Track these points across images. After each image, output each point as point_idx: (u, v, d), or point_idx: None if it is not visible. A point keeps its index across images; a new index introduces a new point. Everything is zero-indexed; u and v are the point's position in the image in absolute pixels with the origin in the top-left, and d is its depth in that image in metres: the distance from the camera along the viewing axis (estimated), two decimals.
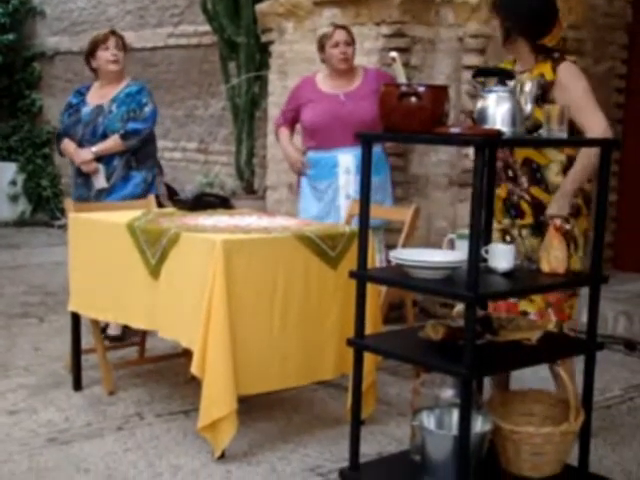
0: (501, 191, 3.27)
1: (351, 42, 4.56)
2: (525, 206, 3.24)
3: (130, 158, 4.65)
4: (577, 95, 3.12)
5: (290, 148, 4.76)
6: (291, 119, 4.76)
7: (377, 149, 4.49)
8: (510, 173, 3.26)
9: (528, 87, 2.71)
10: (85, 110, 4.68)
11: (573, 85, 3.14)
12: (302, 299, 3.28)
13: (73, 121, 4.71)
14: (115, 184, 4.63)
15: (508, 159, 3.26)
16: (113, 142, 4.62)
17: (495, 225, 3.20)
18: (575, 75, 3.17)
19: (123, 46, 4.77)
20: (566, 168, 3.19)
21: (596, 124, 3.10)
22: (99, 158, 4.63)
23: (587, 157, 3.12)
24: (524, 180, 3.23)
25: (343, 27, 4.65)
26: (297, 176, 4.81)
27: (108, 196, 4.61)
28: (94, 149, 4.64)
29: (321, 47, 4.61)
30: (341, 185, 4.56)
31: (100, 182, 4.67)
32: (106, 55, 4.68)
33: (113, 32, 4.78)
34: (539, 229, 3.17)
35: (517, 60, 3.32)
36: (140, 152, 4.69)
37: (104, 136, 4.60)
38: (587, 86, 3.16)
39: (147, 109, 4.68)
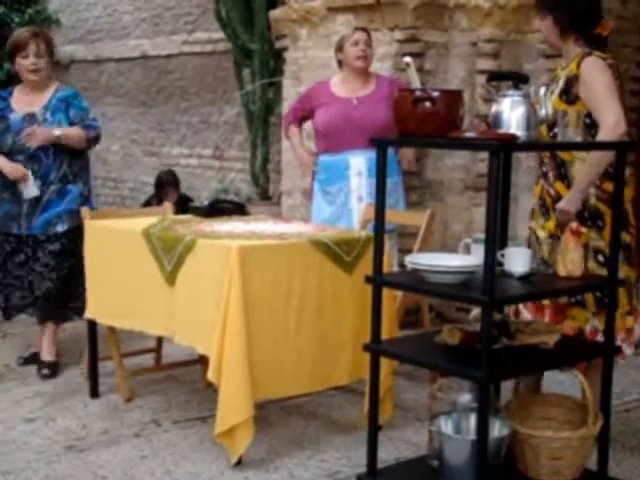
0: (536, 190, 3.25)
1: (370, 44, 4.58)
2: (549, 201, 3.20)
3: (67, 171, 4.21)
4: (596, 90, 3.05)
5: (301, 148, 4.78)
6: (300, 118, 4.77)
7: (389, 151, 4.50)
8: (544, 169, 3.24)
9: (541, 91, 2.69)
10: (14, 118, 4.16)
11: (594, 80, 3.06)
12: (317, 304, 3.28)
13: (0, 129, 4.19)
14: (51, 199, 4.16)
15: (543, 155, 3.23)
16: (78, 132, 4.19)
17: (532, 224, 3.17)
18: (596, 70, 3.09)
19: (47, 50, 4.19)
20: None
21: (609, 117, 2.99)
22: (33, 171, 4.12)
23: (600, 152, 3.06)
24: (551, 175, 3.20)
25: (363, 29, 4.66)
26: (310, 180, 4.80)
27: (43, 212, 4.16)
28: (58, 132, 4.12)
29: (339, 48, 4.61)
30: (353, 188, 4.55)
31: (30, 191, 4.13)
32: (25, 64, 4.16)
33: (36, 34, 4.17)
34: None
35: (565, 57, 3.27)
36: (76, 164, 4.25)
37: (41, 147, 4.10)
38: (609, 81, 3.07)
39: (90, 115, 4.32)
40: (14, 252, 4.25)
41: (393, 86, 4.36)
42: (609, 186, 3.05)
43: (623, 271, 3.06)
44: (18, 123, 4.15)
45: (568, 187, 3.13)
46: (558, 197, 3.15)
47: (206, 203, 4.09)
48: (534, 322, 2.90)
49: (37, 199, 4.13)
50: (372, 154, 4.43)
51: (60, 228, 4.17)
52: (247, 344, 3.04)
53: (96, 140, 4.30)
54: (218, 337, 3.06)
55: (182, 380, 4.16)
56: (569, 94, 3.07)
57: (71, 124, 4.18)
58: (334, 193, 4.59)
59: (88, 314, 3.88)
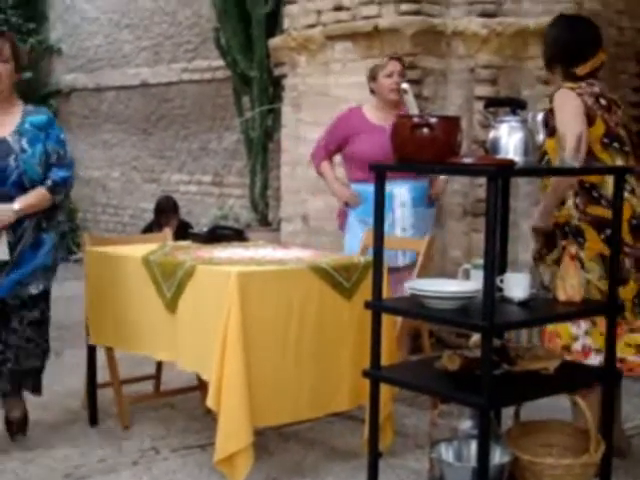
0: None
1: (404, 74, 4.49)
2: (585, 226, 3.20)
3: (41, 218, 3.40)
4: (558, 118, 3.13)
5: (337, 183, 4.63)
6: (333, 152, 4.65)
7: (424, 183, 4.51)
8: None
9: (539, 117, 2.71)
10: None
11: (557, 110, 3.16)
12: (317, 330, 3.27)
13: None
14: (23, 253, 3.31)
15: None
16: (40, 196, 3.35)
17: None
18: (560, 101, 3.19)
19: (13, 54, 3.37)
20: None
21: (566, 144, 2.99)
22: None
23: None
24: (579, 201, 3.21)
25: (397, 58, 4.58)
26: (342, 209, 4.65)
27: (12, 271, 3.31)
28: (17, 206, 3.27)
29: (372, 77, 4.51)
30: (397, 218, 4.45)
31: (1, 252, 3.32)
32: None
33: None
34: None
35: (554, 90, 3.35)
36: (51, 208, 3.45)
37: (18, 185, 3.23)
38: (570, 110, 3.14)
39: (67, 149, 3.50)
40: None
41: None
42: (592, 209, 3.17)
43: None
44: None
45: (608, 207, 3.11)
46: (596, 220, 3.16)
47: (205, 229, 4.10)
48: (534, 347, 2.89)
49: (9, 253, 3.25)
50: (415, 183, 4.51)
51: (34, 290, 3.32)
52: (246, 371, 3.03)
53: (65, 190, 3.50)
54: (217, 363, 3.05)
55: (181, 407, 4.14)
56: (547, 126, 3.10)
57: (47, 158, 3.36)
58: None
59: (92, 340, 3.87)
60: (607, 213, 3.13)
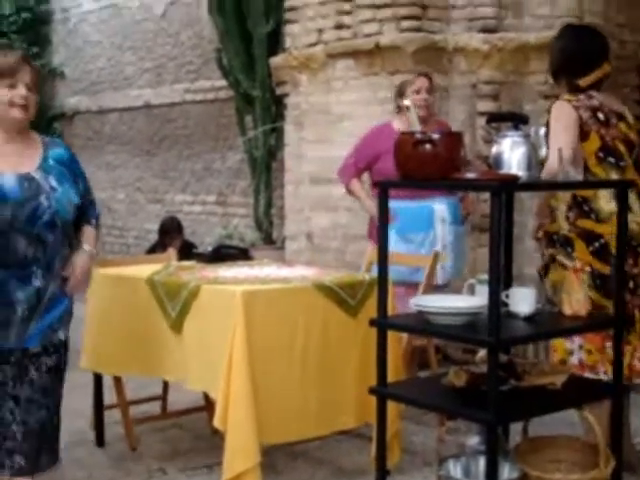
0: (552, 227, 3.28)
1: (432, 90, 4.48)
2: (574, 237, 3.19)
3: (68, 255, 2.95)
4: (549, 130, 3.13)
5: (370, 200, 4.49)
6: (363, 169, 4.57)
7: (455, 200, 4.48)
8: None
9: (542, 131, 2.72)
10: (5, 181, 2.79)
11: (551, 121, 3.16)
12: (322, 348, 3.26)
13: None
14: (53, 296, 2.87)
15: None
16: (93, 234, 3.07)
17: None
18: (554, 113, 3.18)
19: (37, 85, 2.96)
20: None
21: (549, 155, 3.00)
22: (36, 259, 2.82)
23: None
24: (571, 214, 3.21)
25: (425, 75, 4.56)
26: (374, 226, 4.48)
27: (44, 315, 2.85)
28: (88, 248, 2.99)
29: (400, 94, 4.47)
30: (438, 235, 4.40)
31: None
32: (10, 95, 2.86)
33: (26, 59, 2.96)
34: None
35: None
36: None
37: (49, 225, 2.84)
38: (561, 122, 3.13)
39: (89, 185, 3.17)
40: None
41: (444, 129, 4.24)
42: (582, 222, 3.18)
43: (596, 300, 3.06)
44: (17, 190, 2.80)
45: (597, 221, 3.14)
46: (585, 233, 3.16)
47: (210, 249, 4.10)
48: (541, 362, 2.88)
49: (39, 298, 2.83)
50: (452, 200, 4.49)
51: (62, 335, 2.92)
52: (253, 389, 3.02)
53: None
54: (224, 382, 3.04)
55: (188, 428, 4.13)
56: (547, 138, 3.10)
57: (80, 197, 3.01)
58: (419, 241, 4.38)
59: (84, 364, 3.85)
60: (595, 227, 3.15)
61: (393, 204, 4.33)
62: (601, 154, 3.18)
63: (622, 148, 3.22)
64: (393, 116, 4.54)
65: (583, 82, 3.25)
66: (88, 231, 3.06)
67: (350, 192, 4.68)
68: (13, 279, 2.77)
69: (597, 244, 3.14)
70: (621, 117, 3.28)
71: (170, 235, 6.64)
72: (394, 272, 4.15)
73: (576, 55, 3.29)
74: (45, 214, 2.83)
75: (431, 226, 4.40)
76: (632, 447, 3.47)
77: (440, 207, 4.40)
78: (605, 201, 3.14)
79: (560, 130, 3.10)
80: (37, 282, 2.81)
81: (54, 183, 2.91)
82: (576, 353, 3.16)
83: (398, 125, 4.44)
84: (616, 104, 3.32)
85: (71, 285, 2.90)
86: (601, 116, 3.20)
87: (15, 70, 2.88)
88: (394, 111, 4.66)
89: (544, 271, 3.30)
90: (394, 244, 4.29)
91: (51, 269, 2.86)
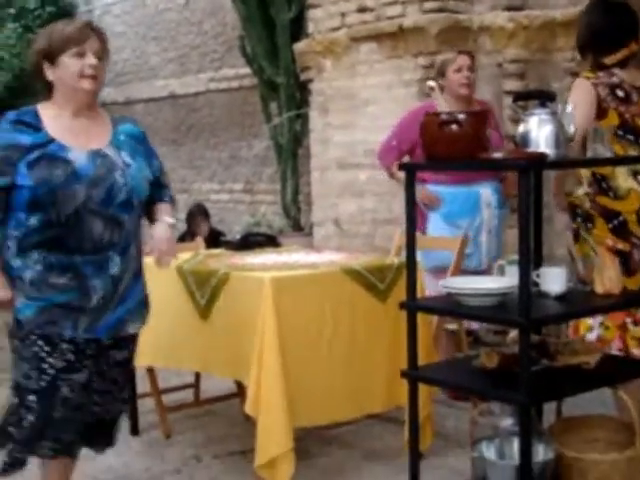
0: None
1: (474, 68, 4.32)
2: (595, 214, 3.18)
3: (140, 242, 2.81)
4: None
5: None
6: (406, 152, 4.35)
7: (497, 184, 4.36)
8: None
9: (569, 109, 2.68)
10: (76, 158, 2.57)
11: (571, 99, 3.11)
12: (351, 332, 3.26)
13: (59, 177, 2.54)
14: (128, 285, 2.71)
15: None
16: (170, 209, 2.91)
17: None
18: (573, 89, 3.19)
19: (105, 53, 2.70)
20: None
21: (594, 140, 2.96)
22: (112, 243, 2.64)
23: None
24: (591, 190, 3.19)
25: (467, 52, 4.42)
26: (422, 212, 4.32)
27: (118, 305, 2.68)
28: (172, 220, 2.84)
29: (441, 73, 4.27)
30: (485, 220, 4.30)
31: None
32: (80, 65, 2.61)
33: (92, 27, 2.69)
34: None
35: None
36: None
37: (126, 205, 2.65)
38: (576, 99, 3.09)
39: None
40: (70, 369, 2.64)
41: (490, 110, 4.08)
42: (601, 199, 3.15)
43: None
44: (90, 167, 2.58)
45: (615, 198, 3.12)
46: (604, 210, 3.14)
47: (238, 237, 4.10)
48: (573, 342, 2.85)
49: (115, 286, 2.65)
50: (496, 184, 4.34)
51: (132, 329, 2.76)
52: (284, 375, 3.03)
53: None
54: (255, 369, 3.05)
55: (221, 414, 4.15)
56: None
57: (156, 175, 2.85)
58: (466, 226, 4.25)
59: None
60: (613, 204, 3.13)
61: (440, 189, 4.31)
62: (620, 131, 3.14)
63: None
64: (435, 96, 4.37)
65: (609, 60, 3.20)
66: (164, 206, 2.86)
67: (391, 176, 4.48)
68: (89, 265, 2.59)
69: (616, 222, 3.12)
70: None
71: (197, 219, 6.67)
72: (440, 258, 4.13)
73: (603, 32, 3.22)
74: (121, 192, 2.61)
75: (478, 211, 4.29)
76: None
77: (486, 191, 4.29)
78: (623, 179, 3.12)
79: (577, 105, 3.03)
80: (114, 269, 2.62)
81: (127, 159, 2.69)
82: (595, 329, 3.13)
83: (441, 104, 4.21)
84: None
85: (157, 258, 2.74)
86: (620, 93, 3.15)
87: (83, 38, 2.63)
88: (433, 91, 4.45)
89: (575, 240, 3.27)
90: (440, 229, 4.29)
91: (127, 254, 2.66)
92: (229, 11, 7.75)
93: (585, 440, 2.79)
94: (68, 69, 2.62)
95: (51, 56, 2.63)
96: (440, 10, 5.13)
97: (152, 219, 2.85)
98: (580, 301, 2.68)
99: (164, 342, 3.63)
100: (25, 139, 2.56)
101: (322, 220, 6.00)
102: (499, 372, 2.57)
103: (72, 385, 2.64)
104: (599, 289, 2.70)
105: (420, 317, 2.81)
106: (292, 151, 6.96)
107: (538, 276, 2.68)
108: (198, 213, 6.78)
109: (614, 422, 2.82)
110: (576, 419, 2.90)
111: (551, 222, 4.85)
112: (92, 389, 2.71)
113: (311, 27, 5.98)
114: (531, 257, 2.48)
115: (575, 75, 4.78)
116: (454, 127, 2.56)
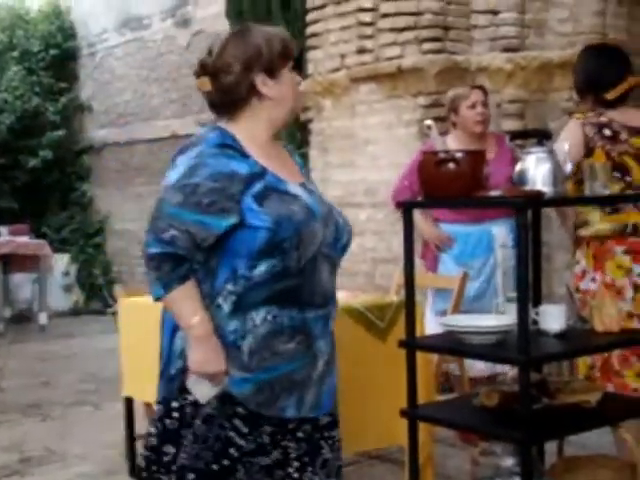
0: None
1: (487, 103, 4.23)
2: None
3: None
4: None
5: (429, 225, 4.25)
6: (418, 191, 4.29)
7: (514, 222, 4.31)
8: None
9: (566, 147, 2.70)
10: (297, 192, 2.13)
11: (560, 138, 3.18)
12: (350, 371, 3.23)
13: (299, 214, 2.06)
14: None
15: None
16: None
17: None
18: (563, 130, 3.32)
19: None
20: None
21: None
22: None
23: None
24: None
25: (480, 87, 4.34)
26: (429, 250, 4.31)
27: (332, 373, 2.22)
28: None
29: (454, 109, 4.22)
30: (500, 261, 4.10)
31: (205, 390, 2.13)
32: (298, 79, 2.25)
33: None
34: None
35: None
36: None
37: (346, 247, 2.24)
38: (564, 138, 3.17)
39: None
40: (258, 452, 2.09)
41: (509, 145, 3.97)
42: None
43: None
44: (314, 203, 2.14)
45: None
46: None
47: None
48: (573, 381, 2.84)
49: (332, 346, 2.23)
50: (512, 222, 4.28)
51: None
52: None
53: None
54: None
55: None
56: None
57: None
58: (478, 267, 4.15)
59: (125, 392, 3.88)
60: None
61: (451, 228, 4.24)
62: None
63: (631, 163, 3.24)
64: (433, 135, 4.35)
65: (610, 95, 3.29)
66: None
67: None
68: (318, 322, 2.13)
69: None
70: (638, 132, 3.28)
71: None
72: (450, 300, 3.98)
73: (598, 74, 3.35)
74: (344, 234, 2.20)
75: (490, 251, 4.14)
76: None
77: (501, 231, 4.10)
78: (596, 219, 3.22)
79: (560, 147, 3.12)
80: (333, 324, 2.20)
81: (315, 189, 2.25)
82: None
83: (451, 143, 4.16)
84: (638, 119, 3.32)
85: None
86: (608, 132, 3.25)
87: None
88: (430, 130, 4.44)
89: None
90: (452, 271, 4.18)
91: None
92: None
93: None
94: (289, 84, 2.17)
95: (271, 68, 2.14)
96: (439, 51, 5.18)
97: None
98: (579, 339, 2.67)
99: None
100: (241, 167, 2.06)
101: None
102: (499, 411, 2.56)
103: (250, 468, 2.08)
104: (598, 327, 2.69)
105: (420, 356, 2.80)
106: None
107: (537, 314, 2.67)
108: None
109: (616, 462, 2.80)
110: (577, 459, 2.88)
111: (550, 260, 4.86)
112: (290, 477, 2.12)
113: (311, 68, 6.04)
114: (529, 295, 2.48)
115: (573, 114, 4.87)
116: (451, 165, 2.58)
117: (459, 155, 2.59)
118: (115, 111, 9.97)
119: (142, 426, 3.91)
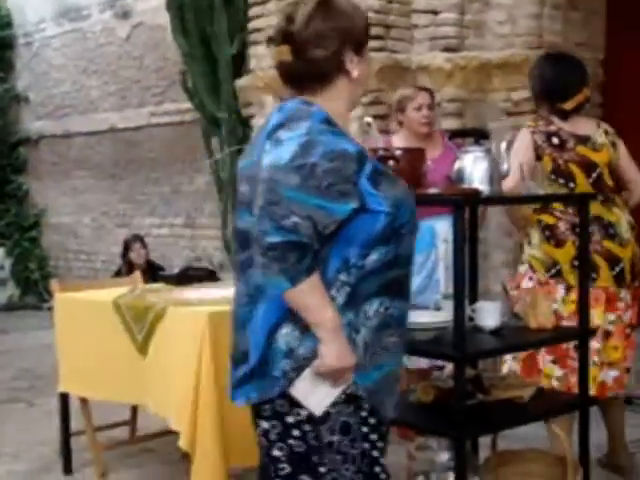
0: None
1: (433, 105, 4.25)
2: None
3: None
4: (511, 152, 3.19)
5: None
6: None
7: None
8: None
9: (503, 146, 2.75)
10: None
11: (514, 146, 3.23)
12: None
13: (409, 197, 2.04)
14: None
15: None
16: None
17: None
18: (518, 137, 3.39)
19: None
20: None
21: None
22: None
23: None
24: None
25: (426, 89, 4.35)
26: None
27: None
28: None
29: (400, 109, 4.21)
30: (441, 256, 4.09)
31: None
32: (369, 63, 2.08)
33: None
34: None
35: None
36: None
37: None
38: (517, 145, 3.28)
39: None
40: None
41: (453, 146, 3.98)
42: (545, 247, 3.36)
43: (542, 250, 3.32)
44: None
45: (555, 246, 3.30)
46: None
47: (176, 271, 4.08)
48: (508, 376, 2.89)
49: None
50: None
51: None
52: (219, 412, 2.99)
53: None
54: (191, 406, 3.01)
55: (158, 452, 4.08)
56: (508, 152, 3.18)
57: None
58: (421, 262, 4.07)
59: (61, 387, 3.82)
60: (554, 252, 3.29)
61: None
62: (553, 176, 3.33)
63: (576, 170, 3.33)
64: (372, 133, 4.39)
65: (567, 106, 3.37)
66: None
67: None
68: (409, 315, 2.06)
69: (554, 270, 3.28)
70: (584, 140, 3.36)
71: (132, 245, 6.42)
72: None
73: (555, 82, 3.41)
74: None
75: (433, 246, 4.12)
76: (624, 450, 3.54)
77: (443, 226, 3.95)
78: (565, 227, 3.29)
79: (516, 151, 3.22)
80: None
81: None
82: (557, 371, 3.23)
83: (398, 141, 4.17)
84: (585, 129, 3.41)
85: None
86: (556, 140, 3.34)
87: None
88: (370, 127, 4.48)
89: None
90: None
91: None
92: (170, 46, 7.76)
93: (519, 474, 2.81)
94: (367, 65, 2.01)
95: (360, 42, 1.97)
96: (380, 49, 5.21)
97: None
98: (514, 335, 2.72)
99: (102, 375, 3.58)
100: (350, 146, 1.87)
101: None
102: (435, 406, 2.59)
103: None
104: (532, 324, 2.75)
105: None
106: (233, 186, 6.95)
107: (473, 311, 2.71)
108: (134, 241, 6.58)
109: (547, 456, 2.85)
110: (510, 453, 2.93)
111: (487, 258, 4.93)
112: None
113: (253, 63, 6.02)
114: (465, 292, 2.52)
115: (512, 115, 4.97)
116: (390, 163, 2.59)
117: (398, 152, 2.61)
118: (52, 103, 9.79)
119: (78, 422, 3.87)
